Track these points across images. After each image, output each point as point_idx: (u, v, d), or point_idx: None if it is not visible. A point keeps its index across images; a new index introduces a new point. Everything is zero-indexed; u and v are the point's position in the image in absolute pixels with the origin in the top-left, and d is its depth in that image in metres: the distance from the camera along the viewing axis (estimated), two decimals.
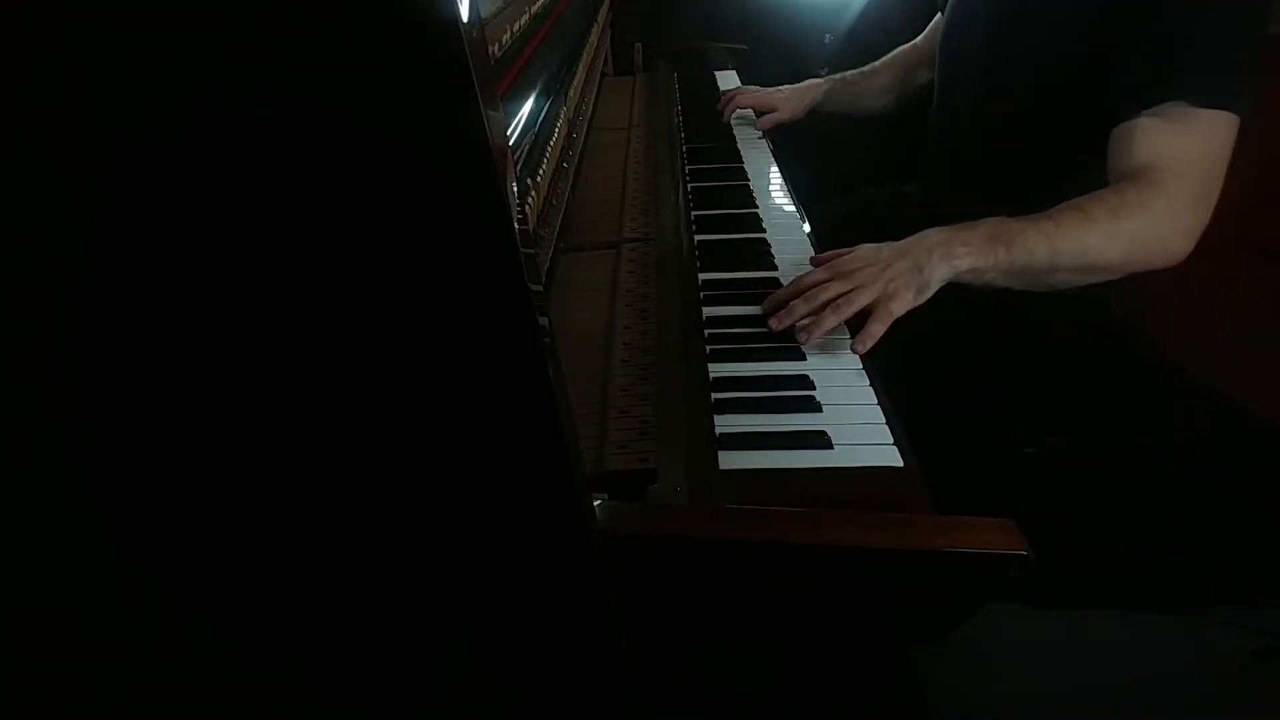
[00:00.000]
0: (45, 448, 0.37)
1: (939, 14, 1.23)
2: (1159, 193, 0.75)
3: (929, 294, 0.74)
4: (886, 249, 0.76)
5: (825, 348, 0.75)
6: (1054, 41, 0.87)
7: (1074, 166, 0.86)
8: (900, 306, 0.72)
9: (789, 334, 0.75)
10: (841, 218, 1.30)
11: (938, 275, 0.73)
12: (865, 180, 1.40)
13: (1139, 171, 0.77)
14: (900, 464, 0.61)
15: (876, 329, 0.71)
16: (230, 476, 0.39)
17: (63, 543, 0.41)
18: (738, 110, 1.37)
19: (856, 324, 0.74)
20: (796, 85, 1.35)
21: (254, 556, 0.44)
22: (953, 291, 1.01)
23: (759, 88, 1.38)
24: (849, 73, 1.35)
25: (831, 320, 0.72)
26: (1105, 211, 0.75)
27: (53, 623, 0.43)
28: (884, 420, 0.66)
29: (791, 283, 0.78)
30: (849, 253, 0.77)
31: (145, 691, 0.48)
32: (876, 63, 1.34)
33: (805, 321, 0.74)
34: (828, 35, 1.85)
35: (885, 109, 1.34)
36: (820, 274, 0.76)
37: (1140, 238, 0.76)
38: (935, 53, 1.20)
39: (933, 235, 0.75)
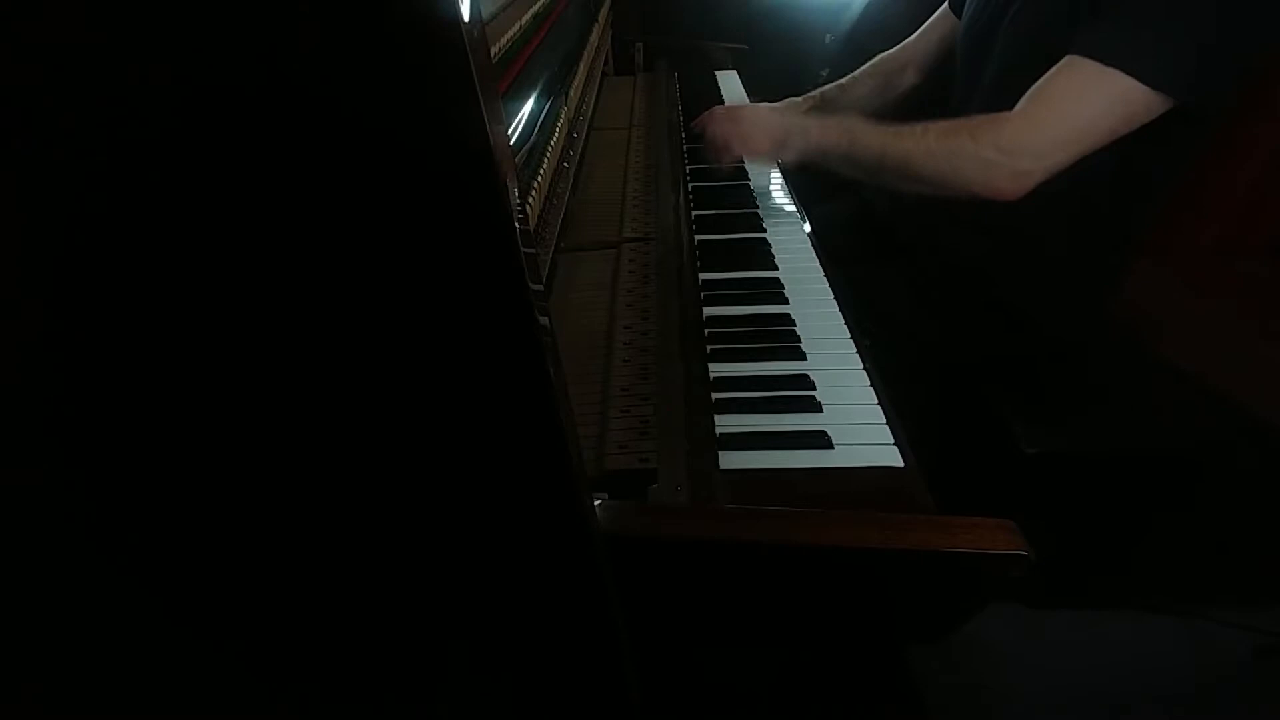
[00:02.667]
0: (45, 448, 0.37)
1: (931, 18, 1.23)
2: (997, 129, 0.80)
3: (786, 156, 0.97)
4: (769, 109, 1.06)
5: (826, 347, 0.75)
6: (1061, 43, 0.87)
7: (1080, 165, 0.86)
8: (759, 150, 0.98)
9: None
10: (841, 217, 1.30)
11: (795, 145, 0.94)
12: (863, 182, 1.40)
13: (1018, 109, 0.82)
14: (901, 464, 0.61)
15: (731, 157, 1.00)
16: (232, 476, 0.39)
17: (62, 543, 0.41)
18: None
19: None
20: (776, 105, 1.32)
21: (255, 556, 0.44)
22: (953, 292, 1.02)
23: (734, 104, 1.35)
24: (828, 88, 1.32)
25: (727, 158, 1.00)
26: (939, 132, 0.83)
27: (52, 623, 0.43)
28: (884, 420, 0.66)
29: (701, 122, 1.05)
30: (748, 106, 1.06)
31: (145, 691, 0.48)
32: (856, 73, 1.31)
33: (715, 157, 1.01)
34: (828, 35, 1.85)
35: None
36: (720, 109, 1.04)
37: (959, 165, 0.82)
38: (930, 53, 1.20)
39: (806, 115, 1.03)
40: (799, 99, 1.32)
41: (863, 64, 1.36)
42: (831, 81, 1.48)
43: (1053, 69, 0.81)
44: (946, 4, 1.18)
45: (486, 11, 0.64)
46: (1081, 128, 0.79)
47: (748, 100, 1.53)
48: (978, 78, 1.03)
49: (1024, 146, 0.80)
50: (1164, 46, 0.76)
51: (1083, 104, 0.79)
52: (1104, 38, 0.77)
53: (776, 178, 1.17)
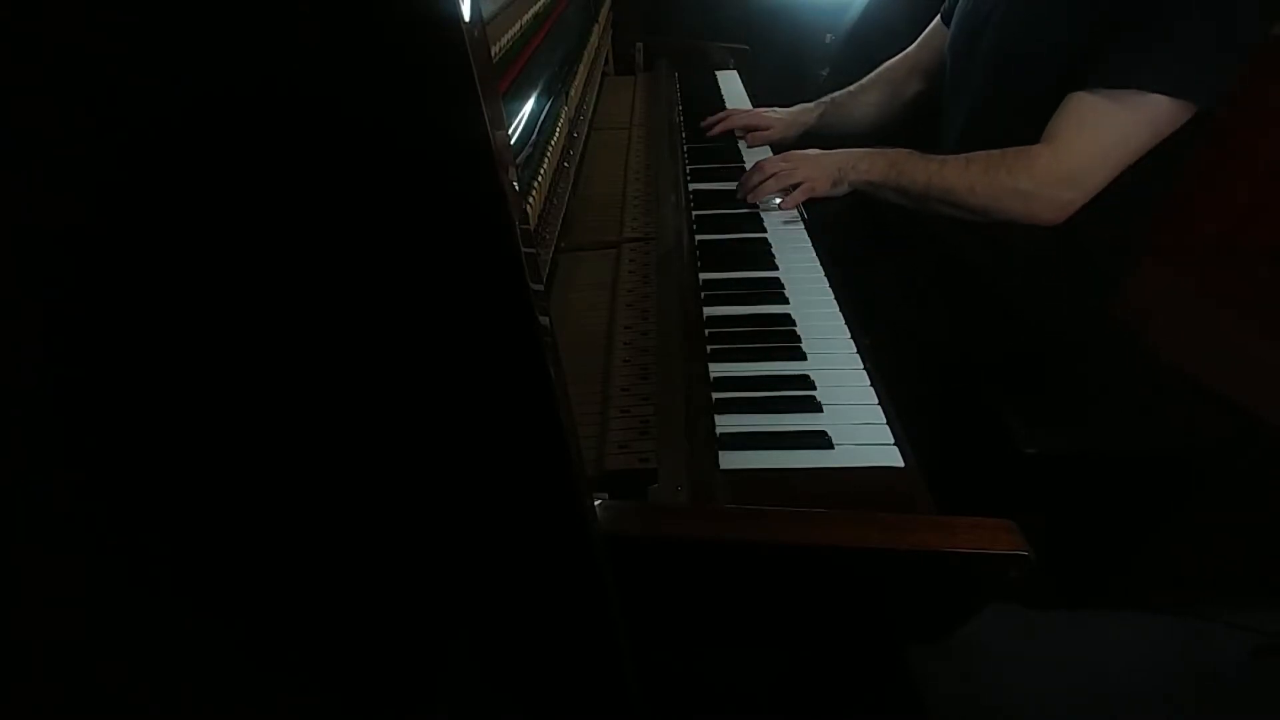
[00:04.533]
0: (48, 448, 0.37)
1: (931, 25, 1.24)
2: (1035, 162, 0.85)
3: (840, 190, 1.02)
4: (820, 153, 1.04)
5: (826, 347, 0.75)
6: (1061, 45, 0.87)
7: None
8: (820, 189, 1.02)
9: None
10: (841, 217, 1.30)
11: (846, 180, 1.01)
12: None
13: (1044, 139, 0.86)
14: (901, 464, 0.61)
15: (799, 195, 1.02)
16: (232, 475, 0.39)
17: (62, 543, 0.41)
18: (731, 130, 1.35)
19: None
20: (789, 109, 1.35)
21: (256, 556, 0.44)
22: (953, 292, 1.02)
23: (751, 109, 1.37)
24: (838, 94, 1.35)
25: (772, 185, 1.03)
26: (983, 166, 0.90)
27: (52, 623, 0.43)
28: (884, 420, 0.66)
29: (754, 165, 1.07)
30: (801, 151, 1.06)
31: (145, 692, 0.48)
32: (865, 80, 1.33)
33: (755, 186, 1.03)
34: (829, 35, 1.85)
35: (873, 126, 1.34)
36: (773, 161, 1.06)
37: (1002, 196, 0.88)
38: (932, 61, 1.20)
39: (854, 152, 1.02)
40: (811, 104, 1.34)
41: (863, 64, 1.36)
42: (831, 81, 1.49)
43: (1074, 97, 0.84)
44: (940, 16, 1.20)
45: (487, 11, 0.64)
46: (1113, 151, 0.82)
47: (748, 101, 1.53)
48: (966, 82, 1.04)
49: (1060, 176, 0.84)
50: (1186, 56, 0.77)
51: (1112, 129, 0.82)
52: (1122, 62, 0.79)
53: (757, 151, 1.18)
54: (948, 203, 0.93)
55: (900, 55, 1.30)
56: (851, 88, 1.33)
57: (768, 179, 1.02)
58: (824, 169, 1.01)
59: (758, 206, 1.06)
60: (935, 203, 0.94)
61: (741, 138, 1.32)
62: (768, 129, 1.32)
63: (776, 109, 1.35)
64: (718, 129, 1.33)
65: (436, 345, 0.34)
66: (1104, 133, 0.82)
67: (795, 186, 1.02)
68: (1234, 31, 0.76)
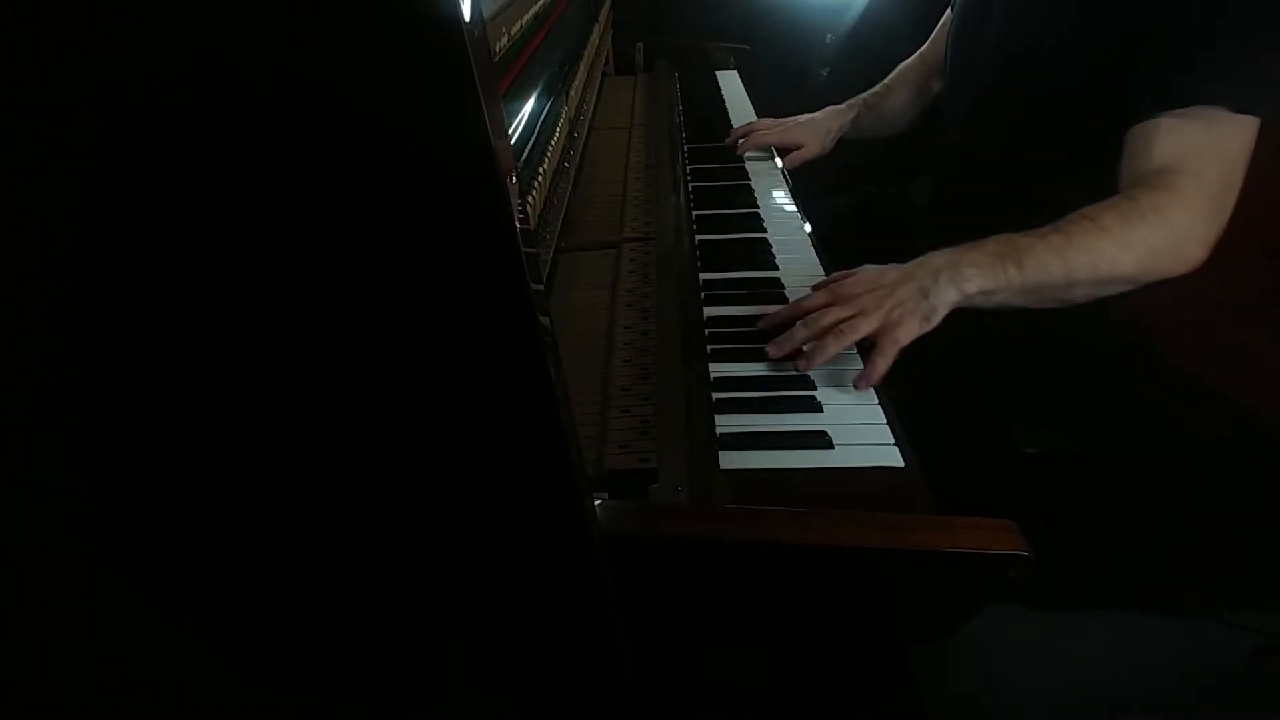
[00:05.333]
0: (50, 448, 0.37)
1: (940, 22, 1.23)
2: (1175, 199, 0.72)
3: (936, 321, 0.70)
4: (891, 271, 0.73)
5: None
6: (1070, 37, 0.86)
7: (1088, 164, 0.85)
8: (906, 335, 0.69)
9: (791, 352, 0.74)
10: (843, 215, 1.30)
11: (945, 300, 0.70)
12: (867, 178, 1.40)
13: (1155, 175, 0.74)
14: (901, 464, 0.61)
15: (881, 364, 0.67)
16: (231, 475, 0.39)
17: (62, 543, 0.41)
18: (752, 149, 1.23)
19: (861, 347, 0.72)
20: (815, 115, 1.25)
21: (255, 556, 0.44)
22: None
23: (774, 120, 1.26)
24: (866, 95, 1.27)
25: (834, 347, 0.68)
26: (1118, 220, 0.72)
27: (52, 624, 0.43)
28: (885, 420, 0.66)
29: (791, 305, 0.75)
30: (851, 275, 0.74)
31: (145, 692, 0.48)
32: (888, 80, 1.27)
33: (807, 347, 0.70)
34: (829, 35, 1.85)
35: (908, 128, 1.27)
36: (821, 297, 0.73)
37: (1156, 246, 0.72)
38: (944, 58, 1.19)
39: (938, 257, 0.72)
40: (841, 107, 1.26)
41: (863, 64, 1.36)
42: (831, 81, 1.48)
43: (1170, 122, 0.74)
44: (950, 9, 1.18)
45: (487, 11, 0.64)
46: (1236, 178, 0.74)
47: (748, 101, 1.53)
48: (970, 72, 1.03)
49: (1213, 206, 0.74)
50: (1262, 77, 0.73)
51: (1236, 150, 0.74)
52: (1229, 84, 0.73)
53: (777, 178, 1.17)
54: (1095, 280, 0.73)
55: (916, 56, 1.27)
56: (878, 88, 1.28)
57: (825, 341, 0.69)
58: (907, 298, 0.70)
59: (758, 209, 1.05)
60: (1079, 287, 0.74)
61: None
62: (799, 147, 1.20)
63: (801, 117, 1.25)
64: (744, 147, 1.22)
65: (437, 345, 0.34)
66: (1227, 150, 0.73)
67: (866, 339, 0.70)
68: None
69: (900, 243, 1.17)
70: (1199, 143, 0.73)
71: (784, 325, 0.73)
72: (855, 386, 0.68)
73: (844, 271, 0.76)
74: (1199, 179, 0.72)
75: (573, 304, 0.80)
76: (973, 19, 1.02)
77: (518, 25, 0.71)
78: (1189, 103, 0.73)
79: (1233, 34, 0.72)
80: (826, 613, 0.56)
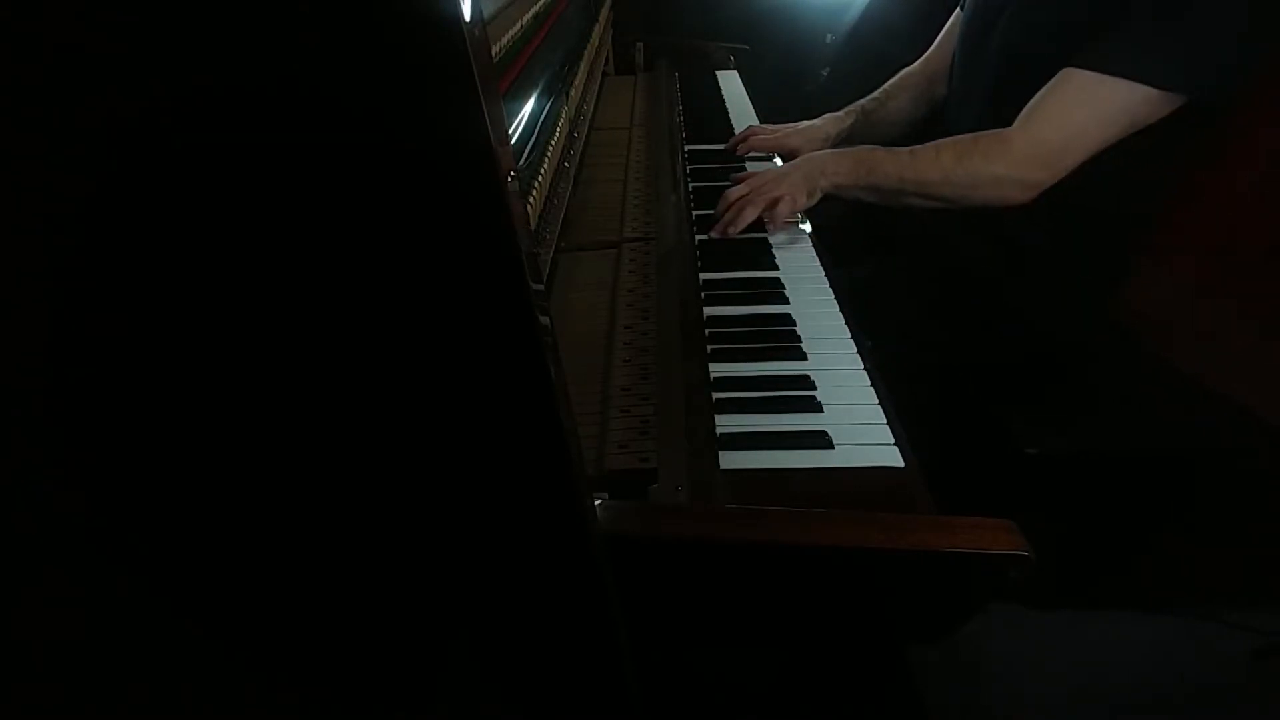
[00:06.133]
0: (46, 448, 0.37)
1: (946, 26, 1.22)
2: (1004, 148, 0.87)
3: (815, 199, 0.97)
4: (786, 167, 1.00)
5: (826, 347, 0.75)
6: (1078, 40, 0.86)
7: (1088, 163, 0.86)
8: (798, 203, 0.96)
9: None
10: (841, 217, 1.30)
11: (819, 185, 0.97)
12: None
13: (1018, 123, 0.88)
14: (901, 464, 0.61)
15: (783, 209, 0.95)
16: (232, 476, 0.39)
17: (62, 543, 0.41)
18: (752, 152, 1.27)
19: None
20: (812, 122, 1.27)
21: (254, 556, 0.44)
22: (953, 292, 1.02)
23: (772, 126, 1.28)
24: (865, 101, 1.28)
25: (749, 213, 0.95)
26: (953, 155, 0.90)
27: (52, 624, 0.43)
28: (885, 420, 0.66)
29: (720, 199, 1.00)
30: (761, 172, 1.01)
31: (145, 692, 0.48)
32: (887, 87, 1.28)
33: (732, 219, 0.96)
34: (829, 35, 1.85)
35: (907, 135, 1.27)
36: (739, 188, 0.99)
37: (975, 182, 0.89)
38: (948, 60, 1.18)
39: (817, 156, 0.99)
40: (839, 114, 1.28)
41: (863, 64, 1.35)
42: (831, 81, 1.47)
43: (1051, 82, 0.85)
44: (959, 9, 1.17)
45: (487, 11, 0.64)
46: (1084, 135, 0.83)
47: (748, 101, 1.53)
48: (977, 73, 1.03)
49: (1034, 157, 0.85)
50: (1172, 45, 0.77)
51: (1084, 112, 0.82)
52: (1102, 48, 0.80)
53: None
54: (921, 195, 0.92)
55: (919, 62, 1.26)
56: (877, 94, 1.28)
57: (744, 209, 0.96)
58: (795, 181, 0.97)
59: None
60: (909, 196, 0.93)
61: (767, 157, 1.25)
62: (795, 154, 1.19)
63: (800, 125, 1.27)
64: (739, 152, 1.25)
65: (437, 345, 0.34)
66: (1081, 115, 0.83)
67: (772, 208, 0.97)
68: (1242, 27, 0.75)
69: (901, 242, 1.18)
70: (1057, 103, 0.85)
71: (719, 218, 0.98)
72: (769, 230, 0.97)
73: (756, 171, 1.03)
74: (1032, 135, 0.86)
75: (573, 304, 0.80)
76: (981, 23, 1.02)
77: (518, 25, 0.71)
78: (1077, 65, 0.82)
79: (1150, 5, 0.78)
80: (827, 613, 0.56)
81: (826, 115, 1.28)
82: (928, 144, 0.92)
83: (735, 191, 0.99)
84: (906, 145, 1.29)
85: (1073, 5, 0.86)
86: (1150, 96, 0.79)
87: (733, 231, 0.95)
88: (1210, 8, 0.75)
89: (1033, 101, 0.86)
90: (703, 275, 0.88)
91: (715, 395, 0.68)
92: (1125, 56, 0.78)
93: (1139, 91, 0.79)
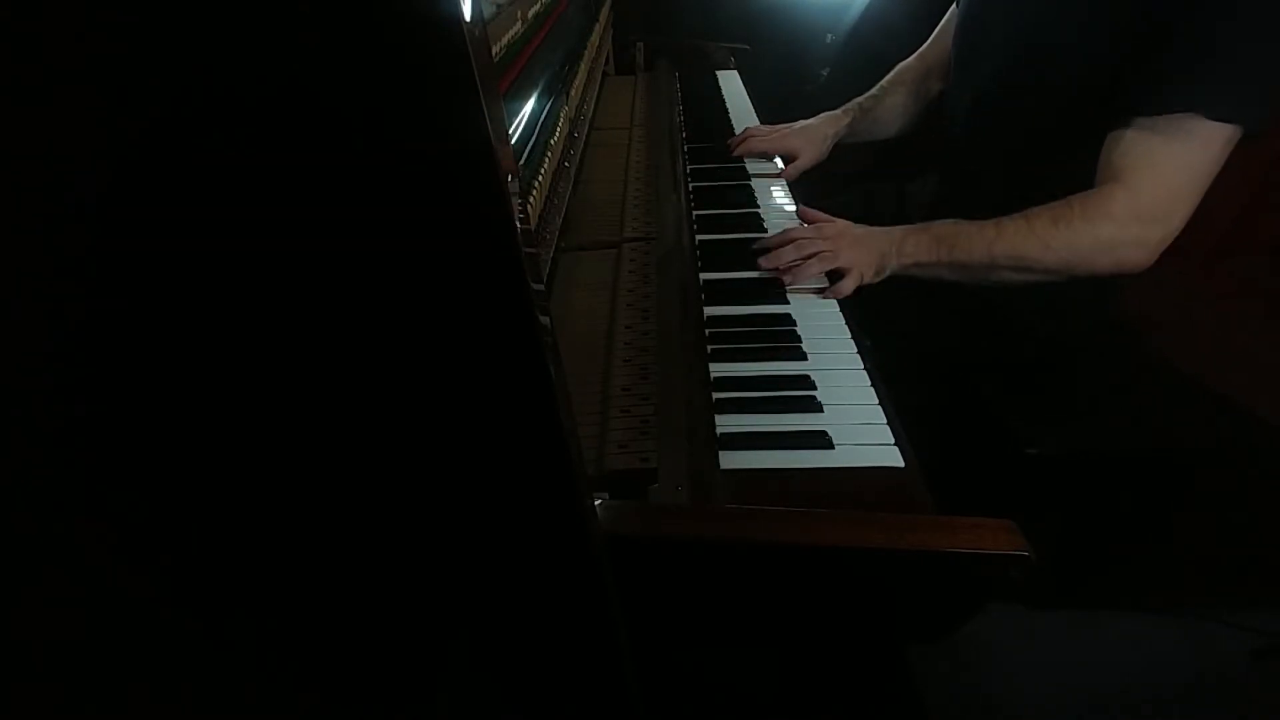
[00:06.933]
0: (45, 448, 0.37)
1: (943, 21, 1.22)
2: (1103, 207, 0.79)
3: (883, 277, 0.89)
4: (861, 229, 0.92)
5: (826, 347, 0.75)
6: (1076, 36, 0.86)
7: (1090, 162, 0.85)
8: (864, 278, 0.87)
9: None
10: (843, 214, 1.30)
11: (890, 266, 0.88)
12: (868, 177, 1.39)
13: (1103, 180, 0.80)
14: (901, 464, 0.61)
15: (848, 285, 0.86)
16: (233, 476, 0.39)
17: (62, 543, 0.41)
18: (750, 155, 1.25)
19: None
20: (810, 122, 1.25)
21: (255, 555, 0.44)
22: (953, 292, 1.02)
23: (770, 127, 1.26)
24: (863, 100, 1.27)
25: (815, 268, 0.86)
26: (1047, 223, 0.81)
27: (52, 624, 0.43)
28: (885, 420, 0.66)
29: (783, 232, 0.92)
30: (833, 222, 0.94)
31: (145, 692, 0.48)
32: (883, 82, 1.26)
33: (793, 265, 0.88)
34: (829, 35, 1.85)
35: (903, 131, 1.26)
36: (810, 231, 0.91)
37: (1079, 248, 0.81)
38: (946, 57, 1.18)
39: (895, 230, 0.90)
40: (836, 112, 1.26)
41: (864, 64, 1.35)
42: (831, 81, 1.46)
43: (1133, 127, 0.78)
44: (955, 5, 1.17)
45: (487, 11, 0.64)
46: (1193, 177, 0.78)
47: (748, 101, 1.53)
48: (975, 67, 1.03)
49: (1144, 215, 0.78)
50: (1247, 86, 0.74)
51: (1187, 155, 0.77)
52: (1202, 93, 0.74)
53: (778, 177, 1.17)
54: (1018, 269, 0.84)
55: (915, 55, 1.25)
56: (873, 91, 1.27)
57: (808, 259, 0.87)
58: (869, 254, 0.88)
59: (758, 209, 1.05)
60: (1003, 272, 0.85)
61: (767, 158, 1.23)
62: (796, 155, 1.20)
63: (797, 125, 1.25)
64: (737, 152, 1.24)
65: (437, 345, 0.34)
66: (1182, 160, 0.77)
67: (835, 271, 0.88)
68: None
69: None
70: (1151, 152, 0.77)
71: (776, 249, 0.90)
72: (826, 296, 0.86)
73: (827, 216, 0.96)
74: (1133, 189, 0.78)
75: (573, 304, 0.80)
76: (979, 16, 1.01)
77: (518, 25, 0.71)
78: (1162, 110, 0.76)
79: (1227, 41, 0.73)
80: (827, 613, 0.56)
81: (823, 114, 1.27)
82: (1013, 215, 0.84)
83: (804, 233, 0.90)
84: (904, 140, 1.29)
85: (1070, 2, 0.86)
86: (1231, 134, 0.75)
87: (788, 280, 0.87)
88: (1269, 37, 0.73)
89: (1114, 155, 0.80)
90: (703, 275, 0.88)
91: (715, 395, 0.68)
92: (1213, 95, 0.74)
93: (1227, 131, 0.75)
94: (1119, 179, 0.79)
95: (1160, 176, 0.77)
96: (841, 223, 0.94)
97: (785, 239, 0.90)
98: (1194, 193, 0.78)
